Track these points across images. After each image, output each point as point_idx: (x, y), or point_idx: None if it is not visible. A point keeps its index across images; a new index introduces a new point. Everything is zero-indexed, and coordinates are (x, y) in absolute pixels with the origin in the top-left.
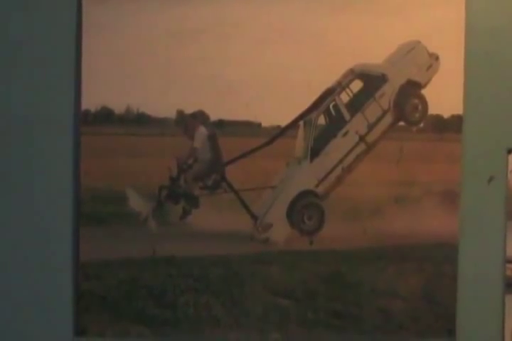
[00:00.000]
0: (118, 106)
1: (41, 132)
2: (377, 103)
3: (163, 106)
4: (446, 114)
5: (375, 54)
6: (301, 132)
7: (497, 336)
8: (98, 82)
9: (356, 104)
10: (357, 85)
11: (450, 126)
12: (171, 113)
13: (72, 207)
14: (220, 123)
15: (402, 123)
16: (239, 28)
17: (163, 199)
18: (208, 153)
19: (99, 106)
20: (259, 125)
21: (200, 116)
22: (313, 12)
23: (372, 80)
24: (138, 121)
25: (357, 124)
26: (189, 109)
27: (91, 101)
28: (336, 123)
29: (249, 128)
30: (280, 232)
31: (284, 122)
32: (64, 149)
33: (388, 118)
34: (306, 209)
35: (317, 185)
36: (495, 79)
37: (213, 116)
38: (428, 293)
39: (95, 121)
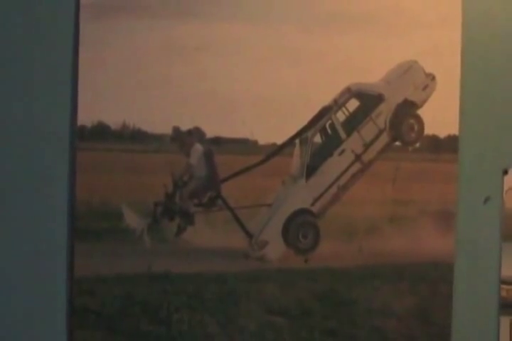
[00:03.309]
0: (114, 122)
1: (37, 147)
2: (373, 122)
3: (159, 122)
4: (442, 134)
5: (371, 73)
6: (297, 150)
7: None
8: (94, 97)
9: (352, 123)
10: (353, 104)
11: (446, 146)
12: (167, 129)
13: (67, 223)
14: (216, 141)
15: (398, 142)
16: (236, 46)
17: (159, 215)
18: (204, 170)
19: (95, 122)
20: (255, 142)
21: (196, 133)
22: (311, 31)
23: (368, 99)
24: (134, 137)
25: (353, 143)
26: (185, 126)
27: (87, 116)
28: (332, 142)
29: (246, 145)
30: (275, 250)
31: (280, 140)
32: (59, 164)
33: (384, 138)
34: (301, 227)
35: (313, 204)
36: (490, 100)
37: (209, 133)
38: (423, 312)
39: (91, 137)
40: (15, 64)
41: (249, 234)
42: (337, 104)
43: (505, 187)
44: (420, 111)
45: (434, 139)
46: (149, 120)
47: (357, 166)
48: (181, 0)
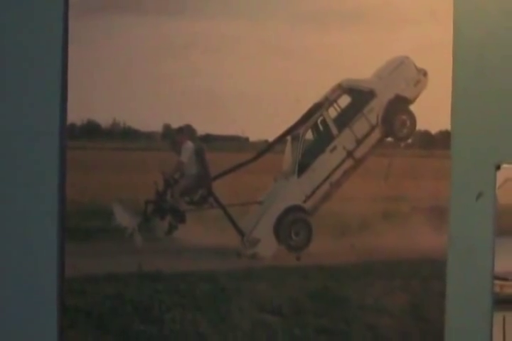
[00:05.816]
0: (104, 120)
1: (26, 146)
2: (365, 118)
3: (149, 120)
4: (434, 130)
5: (363, 69)
6: (288, 147)
7: None
8: (84, 95)
9: (344, 119)
10: (345, 100)
11: (438, 142)
12: (157, 127)
13: (57, 222)
14: (207, 138)
15: (390, 138)
16: (227, 43)
17: (150, 214)
18: (195, 167)
19: (85, 120)
20: (246, 140)
21: (187, 131)
22: (302, 27)
23: (360, 95)
24: (124, 135)
25: (345, 139)
26: (176, 123)
27: (77, 114)
28: (323, 139)
29: (237, 142)
30: (267, 248)
31: (271, 137)
32: (49, 163)
33: (376, 134)
34: (293, 224)
35: (305, 201)
36: (483, 95)
37: (200, 131)
38: (416, 309)
39: (81, 135)
40: (4, 62)
41: (241, 232)
42: (328, 100)
43: (498, 183)
44: (412, 107)
45: (426, 135)
46: (140, 118)
47: (349, 163)
48: None
